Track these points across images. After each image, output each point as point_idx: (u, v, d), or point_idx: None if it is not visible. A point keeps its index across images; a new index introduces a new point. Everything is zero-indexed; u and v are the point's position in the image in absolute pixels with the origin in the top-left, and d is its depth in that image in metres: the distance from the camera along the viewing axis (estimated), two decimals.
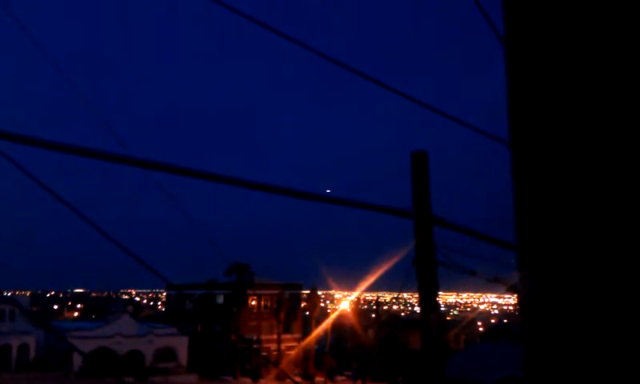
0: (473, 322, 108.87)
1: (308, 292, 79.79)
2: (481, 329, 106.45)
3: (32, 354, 61.89)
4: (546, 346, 1.45)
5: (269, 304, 76.38)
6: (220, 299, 76.58)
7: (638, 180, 1.38)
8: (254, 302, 75.92)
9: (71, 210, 3.25)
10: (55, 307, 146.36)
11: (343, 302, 77.70)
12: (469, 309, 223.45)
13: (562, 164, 1.46)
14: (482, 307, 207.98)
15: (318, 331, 69.50)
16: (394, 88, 3.44)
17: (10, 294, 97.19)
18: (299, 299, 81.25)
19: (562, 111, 1.47)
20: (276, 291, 76.02)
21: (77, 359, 60.60)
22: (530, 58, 1.53)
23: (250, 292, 73.92)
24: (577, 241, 1.42)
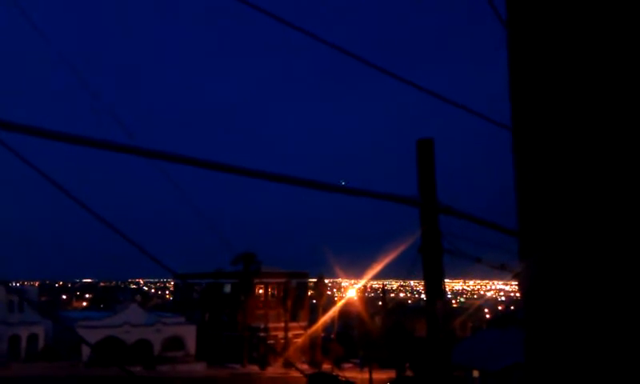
0: (480, 308, 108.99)
1: (315, 280, 79.98)
2: (488, 316, 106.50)
3: (41, 343, 62.37)
4: (548, 332, 1.46)
5: (276, 292, 76.61)
6: (227, 288, 76.85)
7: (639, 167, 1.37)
8: (260, 291, 76.17)
9: (75, 201, 3.27)
10: (64, 297, 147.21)
11: (350, 290, 77.82)
12: (475, 296, 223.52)
13: (564, 149, 1.46)
14: (488, 294, 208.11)
15: (324, 319, 69.75)
16: (396, 74, 3.44)
17: (18, 284, 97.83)
18: (306, 287, 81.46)
19: (564, 95, 1.46)
20: (283, 280, 76.21)
21: (86, 349, 61.02)
22: (532, 42, 1.53)
23: (256, 281, 74.14)
24: (578, 227, 1.42)
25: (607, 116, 1.41)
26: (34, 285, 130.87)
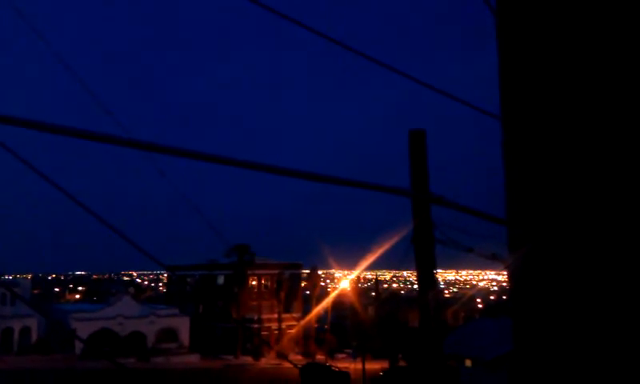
0: (472, 298, 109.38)
1: (308, 271, 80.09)
2: (480, 305, 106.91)
3: (34, 336, 62.25)
4: (535, 319, 1.47)
5: (269, 284, 76.67)
6: (221, 280, 76.88)
7: (627, 158, 1.38)
8: (254, 282, 76.20)
9: (65, 194, 3.27)
10: (57, 290, 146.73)
11: (343, 281, 77.92)
12: (468, 286, 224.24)
13: (552, 138, 1.47)
14: (481, 284, 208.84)
15: (318, 310, 69.91)
16: (384, 63, 3.45)
17: (11, 277, 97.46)
18: (299, 279, 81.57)
19: (552, 84, 1.47)
20: (276, 271, 76.28)
21: (79, 341, 60.98)
22: (521, 30, 1.54)
23: (250, 272, 74.18)
24: (566, 216, 1.43)
25: (595, 106, 1.42)
26: (26, 278, 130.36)
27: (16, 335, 61.08)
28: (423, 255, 6.75)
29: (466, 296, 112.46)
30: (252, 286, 75.79)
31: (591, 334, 1.37)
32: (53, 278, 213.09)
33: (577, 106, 1.46)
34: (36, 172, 3.03)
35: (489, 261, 6.25)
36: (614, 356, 1.34)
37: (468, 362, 46.44)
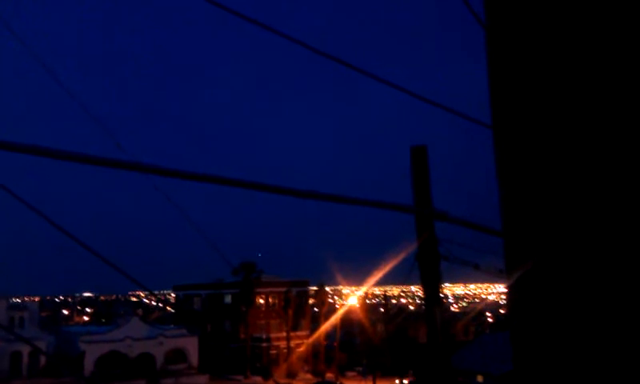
0: (482, 312, 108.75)
1: (316, 288, 79.85)
2: (490, 319, 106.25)
3: (42, 360, 62.10)
4: (533, 335, 1.45)
5: (276, 302, 76.46)
6: (228, 299, 76.73)
7: (621, 165, 1.37)
8: (261, 301, 76.02)
9: (50, 223, 3.26)
10: (65, 312, 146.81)
11: (351, 298, 77.62)
12: (477, 300, 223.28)
13: (544, 148, 1.47)
14: (490, 298, 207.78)
15: (326, 327, 69.58)
16: (377, 77, 3.45)
17: (19, 300, 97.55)
18: (307, 296, 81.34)
19: (543, 94, 1.48)
20: (283, 289, 76.10)
21: (88, 364, 60.83)
22: (510, 42, 1.55)
23: (257, 290, 74.01)
24: (561, 226, 1.42)
25: (587, 114, 1.42)
26: (34, 300, 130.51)
27: (25, 359, 60.96)
28: (428, 272, 6.70)
29: (475, 310, 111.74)
30: (259, 304, 75.61)
31: (592, 349, 1.38)
32: (61, 300, 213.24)
33: (569, 113, 1.45)
34: (30, 207, 3.02)
35: (495, 276, 6.22)
36: (615, 373, 1.35)
37: (480, 378, 46.06)
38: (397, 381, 60.13)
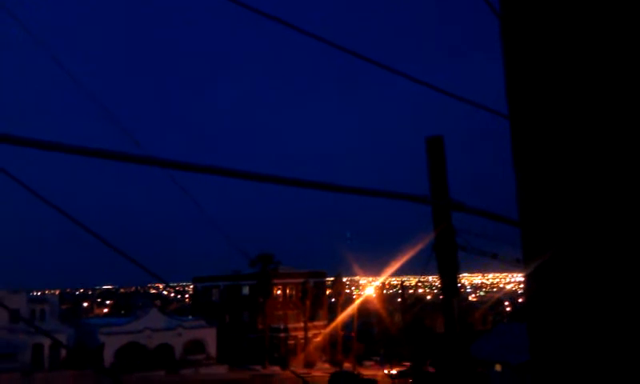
0: (500, 302, 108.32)
1: (333, 279, 79.99)
2: (508, 309, 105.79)
3: (63, 351, 62.87)
4: (551, 326, 1.45)
5: (294, 293, 76.71)
6: (246, 290, 77.11)
7: (635, 156, 1.36)
8: (279, 292, 76.31)
9: (61, 213, 3.29)
10: (85, 304, 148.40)
11: (368, 288, 77.70)
12: (495, 289, 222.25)
13: (560, 137, 1.46)
14: (508, 287, 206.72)
15: (343, 317, 69.73)
16: (397, 70, 3.44)
17: (39, 293, 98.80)
18: (324, 287, 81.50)
19: (559, 84, 1.47)
20: (300, 280, 76.31)
21: (108, 355, 61.52)
22: (526, 31, 1.55)
23: (274, 281, 74.29)
24: (578, 217, 1.42)
25: (605, 103, 1.41)
26: (55, 293, 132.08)
27: (46, 351, 61.75)
28: (445, 262, 6.68)
29: (493, 300, 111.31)
30: (277, 295, 75.89)
31: (610, 340, 1.37)
32: (81, 292, 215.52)
33: (587, 103, 1.44)
34: (35, 195, 3.05)
35: (513, 266, 6.19)
36: (633, 364, 1.34)
37: (498, 367, 45.93)
38: (385, 371, 60.94)
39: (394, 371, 60.37)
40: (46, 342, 61.15)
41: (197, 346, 68.58)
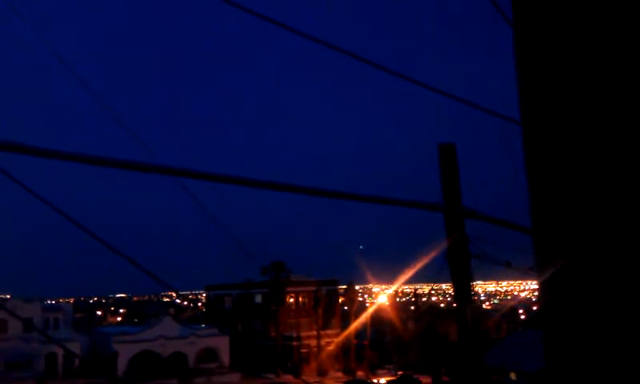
0: (514, 309, 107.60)
1: (345, 287, 79.83)
2: (523, 316, 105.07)
3: (77, 360, 63.16)
4: (565, 334, 1.44)
5: (306, 301, 76.66)
6: (258, 298, 77.15)
7: None
8: (291, 300, 76.29)
9: (66, 218, 3.30)
10: (99, 313, 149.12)
11: (381, 296, 77.50)
12: (509, 297, 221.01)
13: (573, 143, 1.45)
14: (522, 295, 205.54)
15: (356, 326, 69.54)
16: (405, 75, 3.42)
17: (53, 301, 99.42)
18: (336, 295, 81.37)
19: (573, 90, 1.47)
20: (313, 288, 76.26)
21: (121, 364, 61.72)
22: (538, 39, 1.54)
23: (287, 290, 74.29)
24: (592, 223, 1.40)
25: (620, 108, 1.40)
26: (69, 301, 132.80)
27: (60, 359, 62.06)
28: (458, 270, 6.64)
29: (507, 307, 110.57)
30: (289, 303, 75.87)
31: (626, 350, 1.38)
32: (94, 301, 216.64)
33: (601, 108, 1.43)
34: (40, 199, 3.06)
35: (527, 274, 6.13)
36: None
37: (513, 375, 45.60)
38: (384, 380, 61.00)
39: (382, 380, 60.18)
40: (60, 351, 61.47)
41: (210, 354, 68.66)
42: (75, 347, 62.73)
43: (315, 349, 72.06)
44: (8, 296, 65.87)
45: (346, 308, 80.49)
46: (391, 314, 71.09)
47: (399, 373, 62.43)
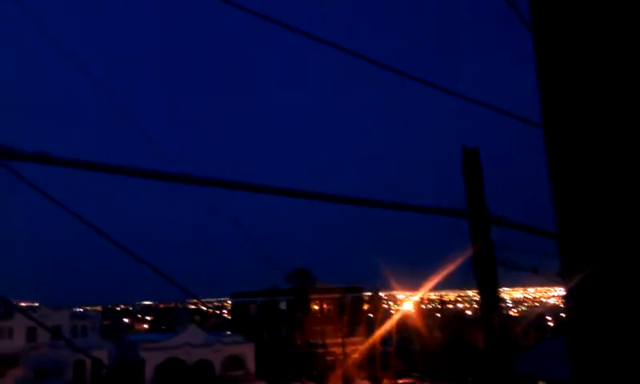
0: (542, 316, 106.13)
1: (370, 294, 79.59)
2: (551, 323, 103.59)
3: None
4: (592, 342, 1.41)
5: (331, 308, 76.58)
6: (283, 305, 77.26)
7: None
8: (316, 307, 76.26)
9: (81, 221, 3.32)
10: (126, 320, 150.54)
11: (406, 303, 77.00)
12: (537, 304, 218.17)
13: (596, 146, 1.43)
14: (550, 301, 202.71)
15: (381, 333, 69.19)
16: (422, 79, 3.40)
17: (81, 309, 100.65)
18: (361, 302, 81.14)
19: (596, 92, 1.44)
20: (337, 295, 76.14)
21: (148, 371, 62.18)
22: (557, 43, 1.52)
23: (312, 297, 74.31)
24: (621, 230, 1.37)
25: (635, 112, 1.38)
26: (96, 309, 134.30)
27: (88, 367, 62.70)
28: (484, 277, 6.57)
29: (534, 314, 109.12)
30: (314, 310, 75.83)
31: None
32: (121, 308, 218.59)
33: (625, 111, 1.42)
34: (56, 203, 3.09)
35: (554, 281, 6.03)
36: None
37: (541, 383, 44.92)
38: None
39: None
40: (88, 359, 62.09)
41: (236, 361, 68.79)
42: (103, 355, 63.35)
43: (340, 356, 71.86)
44: (36, 304, 66.81)
45: (370, 315, 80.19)
46: (417, 322, 70.58)
47: (425, 381, 61.97)
